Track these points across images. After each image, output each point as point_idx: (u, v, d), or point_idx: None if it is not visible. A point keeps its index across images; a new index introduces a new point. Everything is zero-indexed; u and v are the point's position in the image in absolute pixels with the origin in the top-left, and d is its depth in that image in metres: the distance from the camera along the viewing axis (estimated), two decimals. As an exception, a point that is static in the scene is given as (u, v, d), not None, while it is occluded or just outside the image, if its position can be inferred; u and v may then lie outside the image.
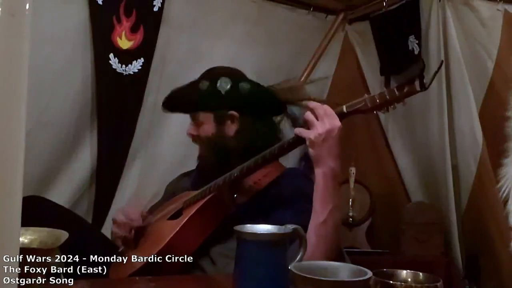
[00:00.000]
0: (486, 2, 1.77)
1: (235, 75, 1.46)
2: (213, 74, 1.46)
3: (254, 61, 1.97)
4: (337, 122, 1.13)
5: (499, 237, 1.72)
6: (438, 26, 1.83)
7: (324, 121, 1.13)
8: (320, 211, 1.14)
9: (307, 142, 1.14)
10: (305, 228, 1.11)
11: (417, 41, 1.89)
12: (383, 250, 1.97)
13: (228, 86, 1.41)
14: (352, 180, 2.05)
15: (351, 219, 2.02)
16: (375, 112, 1.15)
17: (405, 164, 2.08)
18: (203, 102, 1.42)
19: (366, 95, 1.15)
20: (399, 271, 0.78)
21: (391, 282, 0.74)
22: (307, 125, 1.16)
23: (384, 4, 2.03)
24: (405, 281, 0.77)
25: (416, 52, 1.90)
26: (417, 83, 1.07)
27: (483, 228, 1.76)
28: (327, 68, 2.27)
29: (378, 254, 1.96)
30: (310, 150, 1.14)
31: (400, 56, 1.98)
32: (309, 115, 1.15)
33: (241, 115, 1.40)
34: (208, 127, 1.42)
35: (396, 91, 1.08)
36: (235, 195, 1.31)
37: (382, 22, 2.06)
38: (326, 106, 1.16)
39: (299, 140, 1.18)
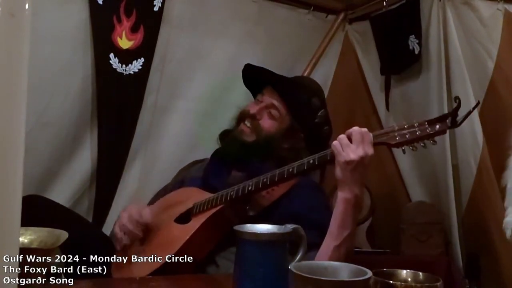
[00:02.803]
0: (487, 2, 1.77)
1: (328, 119, 1.52)
2: (323, 101, 1.53)
3: (254, 61, 1.96)
4: (370, 151, 1.10)
5: (500, 237, 1.71)
6: (439, 25, 1.83)
7: (359, 147, 1.09)
8: (336, 235, 1.12)
9: (337, 163, 1.11)
10: (315, 244, 1.10)
11: (417, 41, 1.89)
12: (383, 250, 1.97)
13: (320, 121, 1.48)
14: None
15: (351, 219, 2.02)
16: (403, 148, 1.10)
17: (405, 164, 2.08)
18: (300, 111, 1.46)
19: (395, 126, 1.11)
20: (399, 271, 0.79)
21: (391, 282, 0.74)
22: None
23: (384, 4, 2.02)
24: (405, 281, 0.77)
25: (416, 51, 1.90)
26: (448, 120, 1.04)
27: (483, 228, 1.76)
28: (327, 68, 2.27)
29: (378, 254, 1.96)
30: (338, 172, 1.11)
31: (400, 55, 1.98)
32: (345, 138, 1.12)
33: (307, 143, 1.45)
34: (278, 126, 1.46)
35: (427, 127, 1.05)
36: (248, 207, 1.30)
37: (382, 22, 2.06)
38: (364, 132, 1.11)
39: (320, 164, 1.15)
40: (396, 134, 1.09)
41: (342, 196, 1.12)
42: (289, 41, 2.16)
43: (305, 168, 1.18)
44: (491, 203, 1.73)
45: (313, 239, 1.01)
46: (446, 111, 1.82)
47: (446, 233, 1.87)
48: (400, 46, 1.95)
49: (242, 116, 1.51)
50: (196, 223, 1.29)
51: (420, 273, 0.78)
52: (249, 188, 1.25)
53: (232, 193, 1.27)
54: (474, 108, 1.09)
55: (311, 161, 1.17)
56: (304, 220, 1.22)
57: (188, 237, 1.24)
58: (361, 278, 0.68)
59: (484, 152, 1.74)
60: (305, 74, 2.18)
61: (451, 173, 1.81)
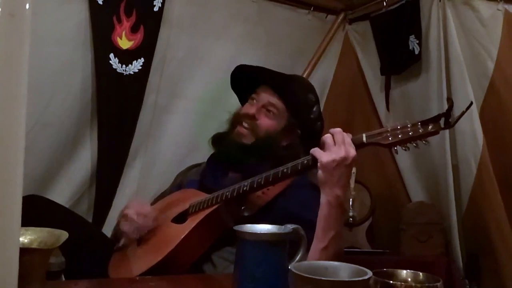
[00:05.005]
0: (487, 2, 1.77)
1: (321, 114, 1.53)
2: (317, 97, 1.53)
3: (254, 61, 1.96)
4: (352, 152, 1.09)
5: (499, 237, 1.71)
6: (439, 26, 1.83)
7: (340, 148, 1.09)
8: (322, 237, 1.12)
9: (318, 165, 1.11)
10: (310, 244, 1.10)
11: (417, 41, 1.89)
12: (383, 250, 1.97)
13: (315, 117, 1.49)
14: (352, 180, 2.05)
15: (351, 219, 2.02)
16: (395, 148, 1.09)
17: (405, 164, 2.08)
18: (298, 107, 1.47)
19: (388, 127, 1.11)
20: (399, 271, 0.79)
21: (391, 282, 0.74)
22: (323, 147, 1.13)
23: (384, 4, 2.03)
24: (405, 281, 0.77)
25: (416, 52, 1.90)
26: (442, 121, 1.03)
27: (483, 228, 1.76)
28: (327, 68, 2.27)
29: (378, 254, 1.96)
30: (320, 174, 1.11)
31: (400, 56, 1.98)
32: (327, 137, 1.12)
33: (302, 139, 1.45)
34: (276, 124, 1.46)
35: (419, 127, 1.05)
36: (243, 208, 1.30)
37: (382, 22, 2.06)
38: (346, 134, 1.12)
39: (314, 164, 1.14)
40: (389, 135, 1.09)
41: (324, 199, 1.12)
42: (289, 41, 2.17)
43: (299, 168, 1.18)
44: (491, 203, 1.73)
45: (310, 239, 1.01)
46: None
47: (446, 233, 1.87)
48: (400, 46, 1.95)
49: (238, 118, 1.49)
50: (191, 222, 1.29)
51: (420, 273, 0.78)
52: (244, 189, 1.25)
53: (227, 193, 1.28)
54: (467, 109, 1.08)
55: (305, 162, 1.17)
56: (300, 220, 1.22)
57: (183, 236, 1.25)
58: (361, 278, 0.68)
59: (484, 152, 1.74)
60: (305, 74, 2.18)
61: (451, 173, 1.80)
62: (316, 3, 2.19)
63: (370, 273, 0.70)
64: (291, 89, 1.48)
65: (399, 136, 1.07)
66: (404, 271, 0.79)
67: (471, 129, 1.76)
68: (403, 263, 1.71)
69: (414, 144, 1.07)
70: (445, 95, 1.82)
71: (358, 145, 1.11)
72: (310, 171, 1.24)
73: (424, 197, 2.00)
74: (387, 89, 2.10)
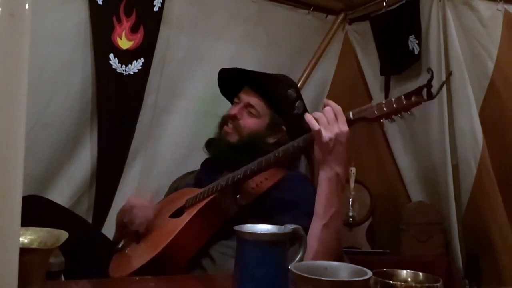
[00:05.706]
0: (486, 2, 1.77)
1: (306, 110, 1.53)
2: (298, 92, 1.54)
3: (254, 61, 1.97)
4: (345, 127, 1.12)
5: (499, 237, 1.72)
6: (438, 26, 1.83)
7: (333, 126, 1.12)
8: (323, 214, 1.13)
9: (315, 144, 1.13)
10: (306, 232, 1.11)
11: (417, 41, 1.89)
12: (383, 250, 1.97)
13: (299, 112, 1.48)
14: (352, 180, 2.05)
15: (351, 219, 2.02)
16: (381, 120, 1.12)
17: (405, 164, 2.08)
18: (279, 104, 1.47)
19: (373, 103, 1.14)
20: (399, 271, 0.79)
21: (391, 282, 0.74)
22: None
23: (384, 4, 2.03)
24: (405, 281, 0.77)
25: (416, 52, 1.90)
26: (424, 92, 1.05)
27: (483, 228, 1.76)
28: (327, 68, 2.27)
29: (378, 254, 1.96)
30: (317, 153, 1.13)
31: (400, 56, 1.98)
32: (321, 117, 1.14)
33: (288, 136, 1.45)
34: (259, 123, 1.47)
35: (403, 99, 1.07)
36: (238, 196, 1.31)
37: (382, 22, 2.06)
38: (337, 110, 1.14)
39: (304, 146, 1.17)
40: (374, 109, 1.12)
41: (324, 175, 1.14)
42: (289, 42, 2.17)
43: (291, 151, 1.20)
44: (491, 203, 1.74)
45: (304, 225, 1.01)
46: (446, 111, 1.82)
47: (446, 233, 1.87)
48: (400, 46, 1.95)
49: (224, 120, 1.52)
50: (188, 215, 1.30)
51: (420, 273, 0.78)
52: (238, 176, 1.27)
53: (222, 183, 1.29)
54: (447, 78, 1.11)
55: (296, 144, 1.19)
56: (295, 207, 1.24)
57: (180, 228, 1.26)
58: (361, 278, 0.68)
59: (484, 152, 1.74)
60: (305, 74, 2.19)
61: (451, 173, 1.81)
62: (316, 3, 2.20)
63: (370, 273, 0.70)
64: (270, 87, 1.50)
65: (384, 109, 1.10)
66: (404, 271, 0.79)
67: (471, 129, 1.77)
68: (403, 263, 1.71)
69: (399, 116, 1.10)
70: (445, 95, 1.82)
71: (347, 122, 1.14)
72: (302, 154, 1.24)
73: (424, 197, 2.00)
74: (387, 89, 2.10)
